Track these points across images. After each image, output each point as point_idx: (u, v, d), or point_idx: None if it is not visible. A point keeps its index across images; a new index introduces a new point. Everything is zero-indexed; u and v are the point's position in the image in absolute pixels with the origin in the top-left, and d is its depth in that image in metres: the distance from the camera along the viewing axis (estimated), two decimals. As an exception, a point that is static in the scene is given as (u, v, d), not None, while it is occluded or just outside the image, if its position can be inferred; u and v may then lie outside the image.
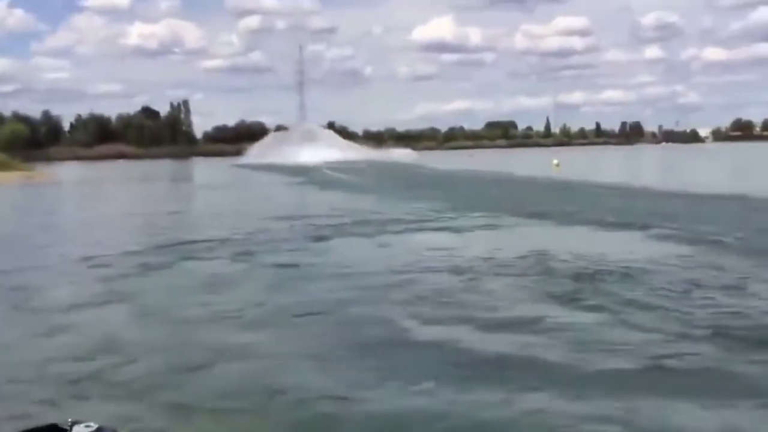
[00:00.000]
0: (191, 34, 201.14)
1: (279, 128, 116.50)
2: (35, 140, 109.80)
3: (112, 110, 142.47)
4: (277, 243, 12.95)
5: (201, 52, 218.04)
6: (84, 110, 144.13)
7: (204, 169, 70.01)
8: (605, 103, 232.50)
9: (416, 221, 15.98)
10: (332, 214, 17.60)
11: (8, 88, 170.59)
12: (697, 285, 8.29)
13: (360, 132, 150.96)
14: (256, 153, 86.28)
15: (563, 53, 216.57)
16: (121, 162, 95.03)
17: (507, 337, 6.41)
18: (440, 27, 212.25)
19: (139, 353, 6.35)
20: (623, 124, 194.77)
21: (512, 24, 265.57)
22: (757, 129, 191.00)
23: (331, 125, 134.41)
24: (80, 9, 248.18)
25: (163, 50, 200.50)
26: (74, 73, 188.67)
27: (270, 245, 12.69)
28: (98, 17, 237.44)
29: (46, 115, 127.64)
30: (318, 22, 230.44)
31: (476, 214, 16.97)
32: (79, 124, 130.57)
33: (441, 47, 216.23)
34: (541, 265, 9.87)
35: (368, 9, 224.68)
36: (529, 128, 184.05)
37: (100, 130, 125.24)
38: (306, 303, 8.01)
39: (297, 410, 4.94)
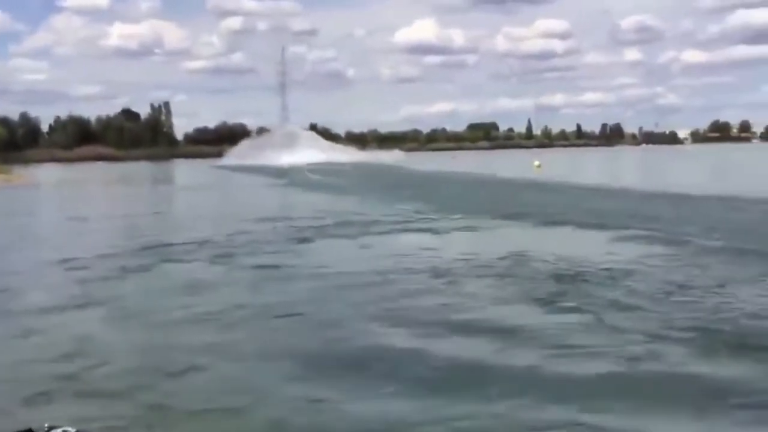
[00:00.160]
0: (172, 34, 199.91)
1: (261, 130, 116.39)
2: (13, 142, 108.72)
3: (91, 112, 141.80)
4: (257, 245, 12.87)
5: (182, 53, 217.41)
6: (63, 112, 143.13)
7: (184, 170, 69.54)
8: (586, 105, 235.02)
9: (400, 222, 15.96)
10: (315, 216, 17.54)
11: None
12: (677, 286, 8.31)
13: (343, 134, 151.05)
14: (237, 155, 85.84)
15: (544, 55, 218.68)
16: (100, 164, 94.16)
17: (479, 341, 6.34)
18: (423, 29, 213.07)
19: (113, 356, 6.28)
20: (603, 125, 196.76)
21: (494, 26, 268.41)
22: (735, 131, 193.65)
23: (313, 127, 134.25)
24: (59, 9, 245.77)
25: (144, 51, 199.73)
26: (53, 74, 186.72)
27: (250, 247, 12.61)
28: (77, 18, 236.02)
29: (24, 116, 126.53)
30: (299, 23, 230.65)
31: (457, 216, 16.99)
32: (58, 125, 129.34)
33: (424, 49, 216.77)
34: (520, 267, 9.87)
35: (350, 11, 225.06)
36: (511, 130, 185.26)
37: (79, 132, 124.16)
38: (283, 305, 7.97)
39: (271, 412, 4.91)
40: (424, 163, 64.93)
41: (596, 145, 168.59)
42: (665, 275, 8.93)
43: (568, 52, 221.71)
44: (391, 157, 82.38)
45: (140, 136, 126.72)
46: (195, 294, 8.83)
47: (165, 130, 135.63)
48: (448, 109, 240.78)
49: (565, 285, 8.55)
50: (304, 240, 13.52)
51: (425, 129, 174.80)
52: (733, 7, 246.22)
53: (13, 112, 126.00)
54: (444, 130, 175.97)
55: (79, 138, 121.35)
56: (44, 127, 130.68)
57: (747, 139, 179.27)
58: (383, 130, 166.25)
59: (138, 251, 12.40)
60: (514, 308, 7.62)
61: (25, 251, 13.60)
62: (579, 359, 5.75)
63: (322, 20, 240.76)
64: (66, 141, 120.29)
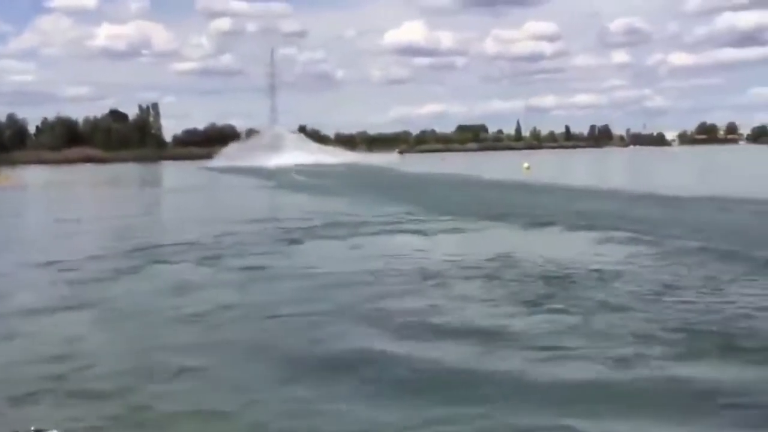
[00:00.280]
0: (161, 35, 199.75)
1: (250, 131, 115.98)
2: (0, 144, 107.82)
3: (79, 113, 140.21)
4: (245, 246, 12.83)
5: (171, 55, 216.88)
6: (50, 113, 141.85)
7: (173, 172, 69.23)
8: (575, 106, 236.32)
9: (389, 224, 15.96)
10: (303, 217, 17.52)
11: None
12: (665, 287, 8.33)
13: (332, 135, 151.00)
14: (225, 157, 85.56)
15: (534, 58, 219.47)
16: (88, 166, 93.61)
17: (464, 344, 6.28)
18: (412, 31, 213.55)
19: (99, 358, 6.26)
20: (592, 127, 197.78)
21: (483, 28, 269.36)
22: (721, 133, 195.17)
23: (302, 128, 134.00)
24: (46, 10, 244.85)
25: (132, 52, 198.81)
26: (40, 75, 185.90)
27: (238, 249, 12.57)
28: (65, 18, 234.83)
29: (11, 118, 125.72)
30: (289, 25, 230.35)
31: (446, 217, 17.00)
32: (46, 127, 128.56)
33: (413, 51, 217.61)
34: (508, 268, 9.86)
35: (340, 13, 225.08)
36: (500, 131, 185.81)
37: (66, 134, 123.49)
38: (269, 306, 7.96)
39: (249, 414, 4.90)
40: (413, 164, 64.96)
41: (585, 147, 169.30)
42: (653, 276, 8.97)
43: (557, 54, 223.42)
44: (386, 159, 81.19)
45: (128, 138, 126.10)
46: (182, 295, 8.79)
47: (153, 131, 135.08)
48: (437, 110, 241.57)
49: (552, 287, 8.55)
50: (292, 241, 13.49)
51: (415, 130, 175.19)
52: (720, 10, 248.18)
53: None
54: (433, 131, 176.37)
55: (67, 139, 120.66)
56: (31, 129, 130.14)
57: (734, 141, 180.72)
58: (373, 131, 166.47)
59: (126, 253, 12.32)
60: (500, 309, 7.57)
61: (11, 253, 13.49)
62: (564, 361, 5.73)
63: (312, 22, 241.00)
64: (53, 142, 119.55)
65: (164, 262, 11.44)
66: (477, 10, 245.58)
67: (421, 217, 17.15)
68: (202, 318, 7.59)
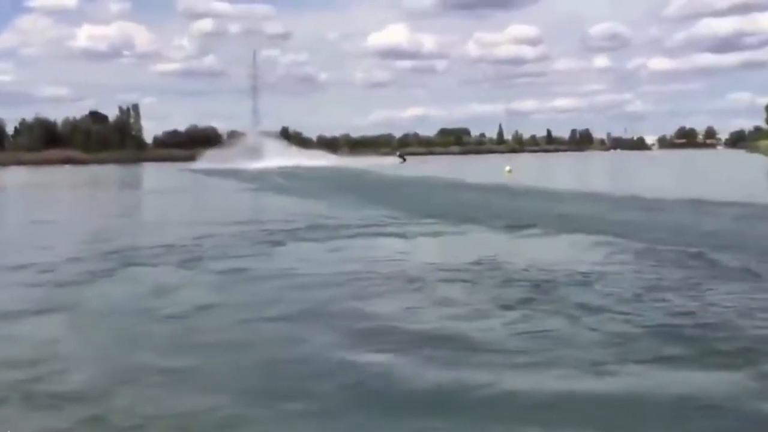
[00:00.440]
0: (142, 36, 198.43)
1: (232, 133, 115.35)
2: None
3: (58, 114, 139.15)
4: (225, 249, 12.70)
5: (152, 56, 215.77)
6: (29, 114, 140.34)
7: (153, 174, 68.65)
8: (556, 110, 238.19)
9: (369, 226, 15.88)
10: (286, 219, 17.41)
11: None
12: (646, 290, 8.34)
13: (314, 137, 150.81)
14: (208, 159, 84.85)
15: (516, 61, 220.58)
16: (67, 167, 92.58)
17: (434, 352, 6.12)
18: (394, 34, 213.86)
19: (71, 363, 6.15)
20: (573, 131, 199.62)
21: (465, 32, 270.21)
22: (700, 137, 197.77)
23: (285, 130, 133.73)
24: (26, 10, 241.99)
25: (113, 53, 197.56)
26: (19, 75, 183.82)
27: (217, 251, 12.44)
28: (44, 18, 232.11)
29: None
30: (272, 27, 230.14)
31: (428, 220, 16.96)
32: (24, 128, 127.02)
33: (395, 54, 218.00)
34: (488, 272, 9.80)
35: (323, 15, 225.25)
36: (482, 135, 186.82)
37: (45, 135, 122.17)
38: (246, 309, 7.88)
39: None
40: (396, 168, 64.92)
41: (566, 150, 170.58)
42: (634, 279, 8.97)
43: (539, 58, 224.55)
44: (385, 163, 76.91)
45: (108, 139, 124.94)
46: (158, 298, 8.68)
47: (134, 132, 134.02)
48: (419, 113, 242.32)
49: (531, 290, 8.48)
50: (273, 243, 13.38)
51: (397, 133, 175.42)
52: (699, 16, 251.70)
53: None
54: (416, 134, 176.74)
55: (46, 140, 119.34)
56: (9, 130, 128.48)
57: (712, 146, 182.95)
58: (355, 134, 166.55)
59: (104, 255, 12.15)
60: (477, 314, 7.47)
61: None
62: (540, 369, 5.63)
63: (295, 24, 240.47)
64: (32, 144, 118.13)
65: (142, 264, 11.29)
66: (459, 13, 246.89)
67: (403, 221, 17.08)
68: (177, 321, 7.49)
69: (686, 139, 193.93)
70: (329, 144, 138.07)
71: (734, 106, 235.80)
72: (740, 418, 4.69)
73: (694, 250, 10.93)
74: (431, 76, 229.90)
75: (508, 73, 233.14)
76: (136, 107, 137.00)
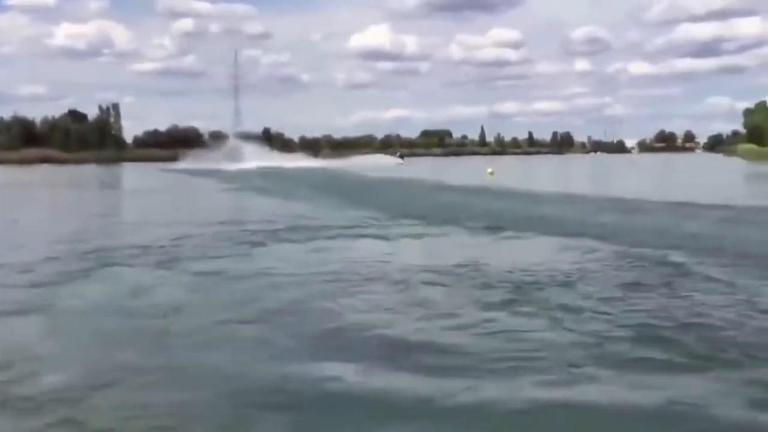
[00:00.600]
0: (122, 35, 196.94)
1: (214, 134, 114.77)
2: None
3: (36, 113, 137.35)
4: (203, 249, 12.56)
5: (132, 55, 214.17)
6: (7, 113, 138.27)
7: (133, 174, 68.00)
8: (538, 113, 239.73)
9: (350, 227, 15.80)
10: (266, 220, 17.29)
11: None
12: (627, 291, 8.35)
13: (296, 138, 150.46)
14: (188, 160, 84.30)
15: (498, 64, 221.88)
16: (45, 166, 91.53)
17: (411, 356, 6.03)
18: (377, 35, 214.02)
19: (46, 364, 6.04)
20: (554, 134, 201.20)
21: (448, 34, 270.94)
22: (679, 141, 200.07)
23: (266, 131, 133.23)
24: (3, 8, 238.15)
25: (92, 51, 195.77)
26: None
27: (196, 251, 12.30)
28: (22, 16, 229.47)
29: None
30: (253, 27, 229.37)
31: (409, 222, 16.92)
32: (2, 127, 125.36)
33: (377, 55, 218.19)
34: (468, 273, 9.77)
35: (305, 15, 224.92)
36: (464, 137, 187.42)
37: (23, 134, 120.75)
38: (222, 310, 7.79)
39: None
40: (376, 169, 64.81)
41: (547, 153, 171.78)
42: (614, 281, 8.97)
43: (521, 61, 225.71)
44: (384, 163, 73.61)
45: (87, 139, 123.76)
46: (134, 298, 8.57)
47: (113, 132, 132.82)
48: (401, 115, 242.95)
49: (511, 292, 8.45)
50: (253, 244, 13.27)
51: (379, 135, 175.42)
52: (679, 21, 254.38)
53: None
54: (398, 136, 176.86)
55: (24, 139, 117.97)
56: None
57: (691, 149, 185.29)
58: (337, 135, 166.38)
59: (81, 255, 11.97)
60: (457, 315, 7.42)
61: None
62: (519, 375, 5.53)
63: (277, 24, 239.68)
64: (10, 143, 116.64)
65: (119, 264, 11.13)
66: (442, 15, 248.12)
67: (385, 222, 17.02)
68: (152, 321, 7.40)
69: (665, 142, 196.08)
70: (311, 145, 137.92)
71: (713, 110, 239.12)
72: (717, 422, 4.67)
73: (673, 252, 10.99)
74: (414, 78, 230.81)
75: (490, 76, 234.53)
76: (116, 106, 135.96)
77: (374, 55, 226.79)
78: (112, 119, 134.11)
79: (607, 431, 4.67)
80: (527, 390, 5.22)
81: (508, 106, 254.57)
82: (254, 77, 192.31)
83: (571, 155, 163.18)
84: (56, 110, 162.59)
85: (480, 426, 4.72)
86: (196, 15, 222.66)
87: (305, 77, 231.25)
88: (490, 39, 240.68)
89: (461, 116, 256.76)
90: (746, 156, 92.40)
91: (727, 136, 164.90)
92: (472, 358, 5.96)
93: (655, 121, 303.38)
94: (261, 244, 13.35)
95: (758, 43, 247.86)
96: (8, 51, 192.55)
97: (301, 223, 16.67)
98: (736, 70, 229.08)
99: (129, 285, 9.43)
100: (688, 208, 19.22)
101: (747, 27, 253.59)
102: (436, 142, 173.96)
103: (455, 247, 13.06)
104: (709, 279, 9.00)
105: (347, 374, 5.62)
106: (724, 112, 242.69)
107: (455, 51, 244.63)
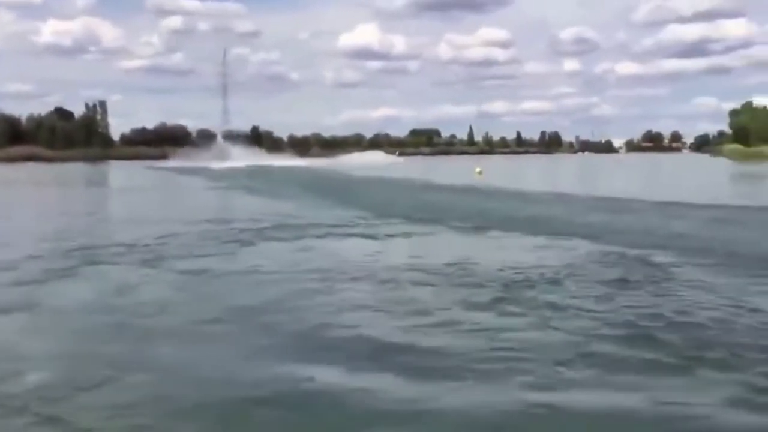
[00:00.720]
0: (109, 33, 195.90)
1: (201, 132, 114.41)
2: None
3: (22, 110, 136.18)
4: (189, 248, 12.48)
5: (119, 52, 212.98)
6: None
7: (120, 172, 67.59)
8: (526, 113, 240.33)
9: (338, 226, 15.75)
10: (252, 218, 17.20)
11: None
12: (615, 290, 8.36)
13: (285, 137, 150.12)
14: (175, 158, 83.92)
15: (487, 63, 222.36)
16: (31, 164, 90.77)
17: (397, 358, 5.94)
18: (365, 34, 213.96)
19: (29, 363, 5.96)
20: (543, 133, 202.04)
21: (437, 33, 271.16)
22: (666, 141, 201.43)
23: (255, 130, 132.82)
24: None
25: (79, 49, 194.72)
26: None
27: (182, 250, 12.21)
28: (8, 12, 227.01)
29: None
30: (243, 25, 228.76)
31: (397, 221, 16.88)
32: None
33: (366, 54, 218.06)
34: (458, 273, 9.75)
35: (294, 14, 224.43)
36: (453, 136, 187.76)
37: (9, 131, 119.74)
38: (209, 310, 7.72)
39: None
40: (364, 168, 64.72)
41: (536, 153, 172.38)
42: (602, 281, 8.96)
43: (510, 61, 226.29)
44: (383, 162, 73.37)
45: (74, 136, 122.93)
46: (119, 298, 8.47)
47: (100, 130, 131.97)
48: (390, 114, 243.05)
49: (500, 291, 8.43)
50: (240, 242, 13.19)
51: (368, 134, 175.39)
52: (666, 22, 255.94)
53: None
54: (387, 135, 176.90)
55: (9, 137, 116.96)
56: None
57: (678, 149, 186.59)
58: (326, 134, 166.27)
59: (66, 253, 11.86)
60: (443, 315, 7.36)
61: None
62: (506, 378, 5.45)
63: (266, 22, 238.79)
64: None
65: (105, 263, 11.04)
66: (430, 15, 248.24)
67: (373, 221, 16.97)
68: (136, 319, 7.34)
69: (653, 142, 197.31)
70: (300, 143, 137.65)
71: (699, 110, 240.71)
72: (703, 421, 4.66)
73: (660, 251, 11.02)
74: (402, 77, 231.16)
75: (478, 75, 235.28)
76: (103, 104, 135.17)
77: (363, 54, 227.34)
78: (98, 117, 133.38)
79: (594, 431, 4.65)
80: (514, 390, 5.20)
81: (497, 106, 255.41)
82: (243, 75, 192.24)
83: (559, 155, 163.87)
84: (42, 108, 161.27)
85: (466, 427, 4.68)
86: (184, 12, 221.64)
87: (294, 76, 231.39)
88: (478, 39, 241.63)
89: (450, 115, 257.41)
90: (732, 156, 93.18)
91: (714, 137, 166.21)
92: (459, 358, 5.92)
93: (642, 121, 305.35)
94: (248, 242, 13.27)
95: (745, 44, 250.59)
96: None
97: (288, 221, 16.61)
98: (722, 71, 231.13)
99: (114, 283, 9.35)
100: (675, 207, 19.33)
101: (734, 28, 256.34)
102: (425, 142, 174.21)
103: (443, 246, 13.05)
104: (696, 278, 9.01)
105: (332, 374, 5.57)
106: (710, 113, 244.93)
107: (444, 50, 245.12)
